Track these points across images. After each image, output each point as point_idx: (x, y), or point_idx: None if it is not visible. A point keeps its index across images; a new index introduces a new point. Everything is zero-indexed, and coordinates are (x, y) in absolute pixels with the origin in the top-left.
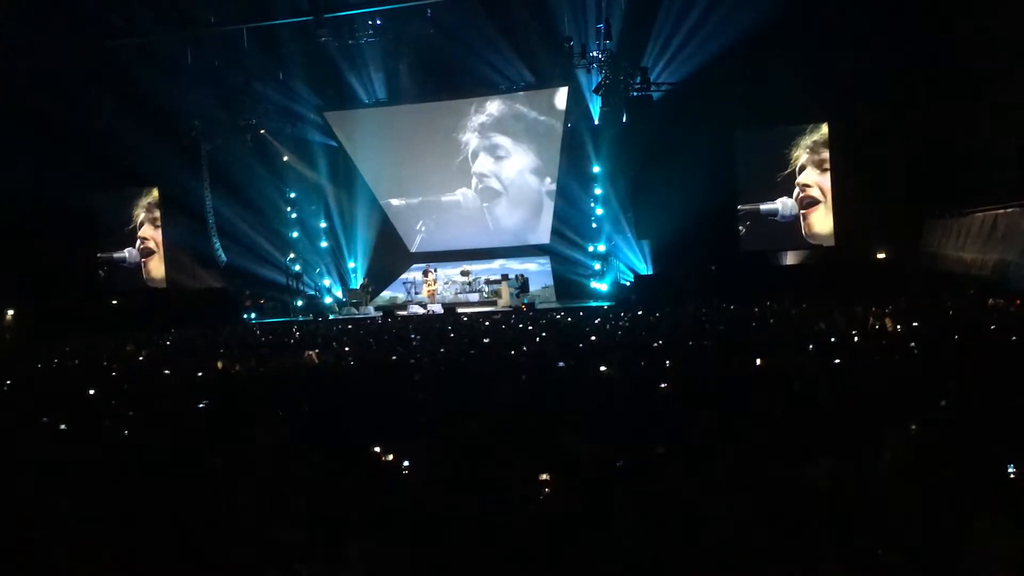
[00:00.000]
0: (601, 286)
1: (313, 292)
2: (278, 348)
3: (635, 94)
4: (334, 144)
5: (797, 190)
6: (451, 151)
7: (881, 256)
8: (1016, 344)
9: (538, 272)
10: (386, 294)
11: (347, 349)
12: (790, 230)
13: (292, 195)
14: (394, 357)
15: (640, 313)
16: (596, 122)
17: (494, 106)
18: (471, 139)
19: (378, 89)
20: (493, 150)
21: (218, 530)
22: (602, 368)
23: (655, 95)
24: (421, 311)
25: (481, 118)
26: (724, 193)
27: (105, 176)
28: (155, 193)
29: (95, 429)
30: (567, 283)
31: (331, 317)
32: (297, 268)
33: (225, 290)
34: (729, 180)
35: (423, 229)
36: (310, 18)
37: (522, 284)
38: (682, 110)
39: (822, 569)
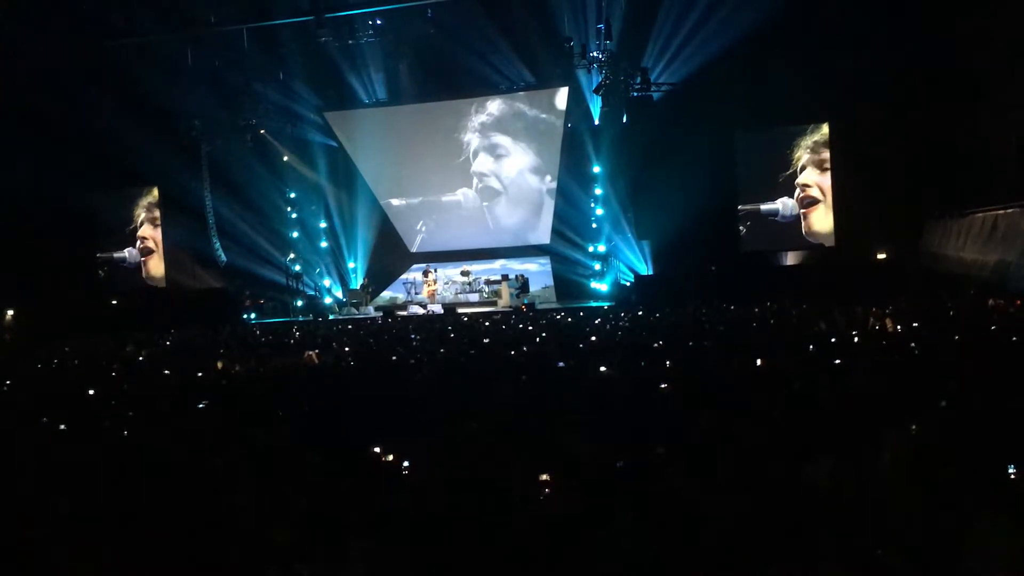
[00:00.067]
0: (601, 286)
1: (313, 292)
2: (278, 348)
3: (635, 94)
4: (334, 144)
5: (797, 190)
6: (451, 151)
7: (881, 256)
8: (1016, 344)
9: (538, 272)
10: (386, 294)
11: (347, 349)
12: (790, 230)
13: (292, 195)
14: (394, 357)
15: (640, 313)
16: (596, 122)
17: (494, 106)
18: (471, 139)
19: (378, 89)
20: (493, 150)
21: (218, 530)
22: (602, 368)
23: (655, 95)
24: (421, 311)
25: (481, 118)
26: (724, 193)
27: (105, 176)
28: (155, 193)
29: (95, 429)
30: (567, 283)
31: (331, 317)
32: (297, 268)
33: (225, 290)
34: (729, 180)
35: (423, 229)
36: (310, 18)
37: (522, 284)
38: (682, 110)
39: (822, 569)
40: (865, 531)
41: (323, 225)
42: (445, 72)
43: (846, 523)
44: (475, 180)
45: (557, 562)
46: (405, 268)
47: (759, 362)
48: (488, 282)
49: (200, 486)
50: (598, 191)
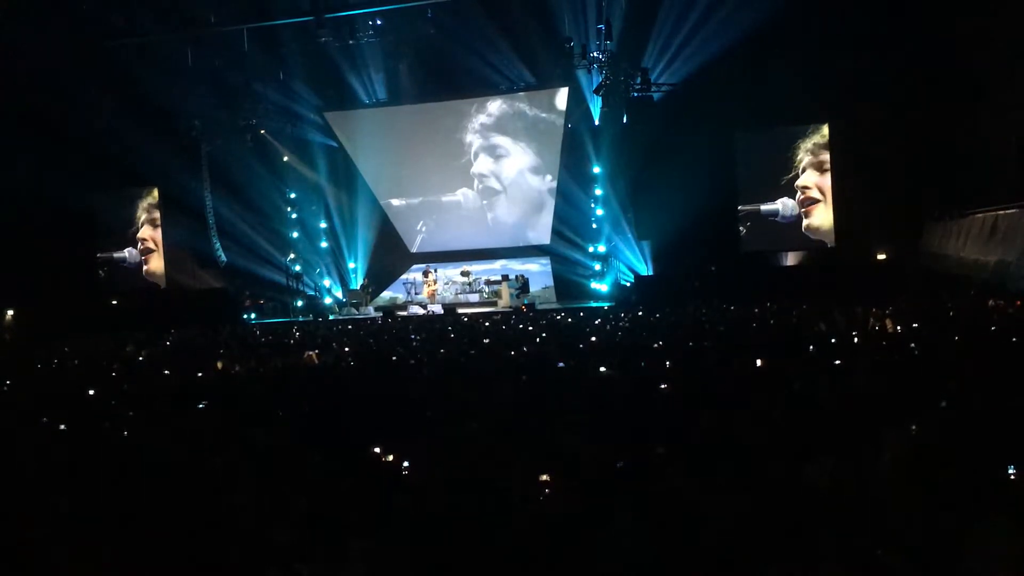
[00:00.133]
0: (601, 287)
1: (313, 292)
2: (278, 348)
3: (635, 94)
4: (334, 144)
5: (798, 192)
6: (451, 151)
7: (881, 257)
8: (1016, 345)
9: (538, 272)
10: (386, 294)
11: (347, 349)
12: (791, 231)
13: (292, 195)
14: (394, 358)
15: (640, 314)
16: (596, 122)
17: (495, 106)
18: (472, 139)
19: (378, 89)
20: (493, 150)
21: (218, 530)
22: (602, 369)
23: (655, 95)
24: (421, 311)
25: (482, 118)
26: (724, 194)
27: (105, 176)
28: (155, 193)
29: (95, 429)
30: (567, 284)
31: (331, 317)
32: (297, 268)
33: (225, 290)
34: (729, 181)
35: (423, 229)
36: (310, 18)
37: (522, 285)
38: (682, 110)
39: (822, 569)
40: (865, 531)
41: (323, 225)
42: (445, 72)
43: (846, 523)
44: (475, 180)
45: (557, 562)
46: (405, 268)
47: (759, 362)
48: (488, 282)
49: (200, 486)
50: (598, 191)
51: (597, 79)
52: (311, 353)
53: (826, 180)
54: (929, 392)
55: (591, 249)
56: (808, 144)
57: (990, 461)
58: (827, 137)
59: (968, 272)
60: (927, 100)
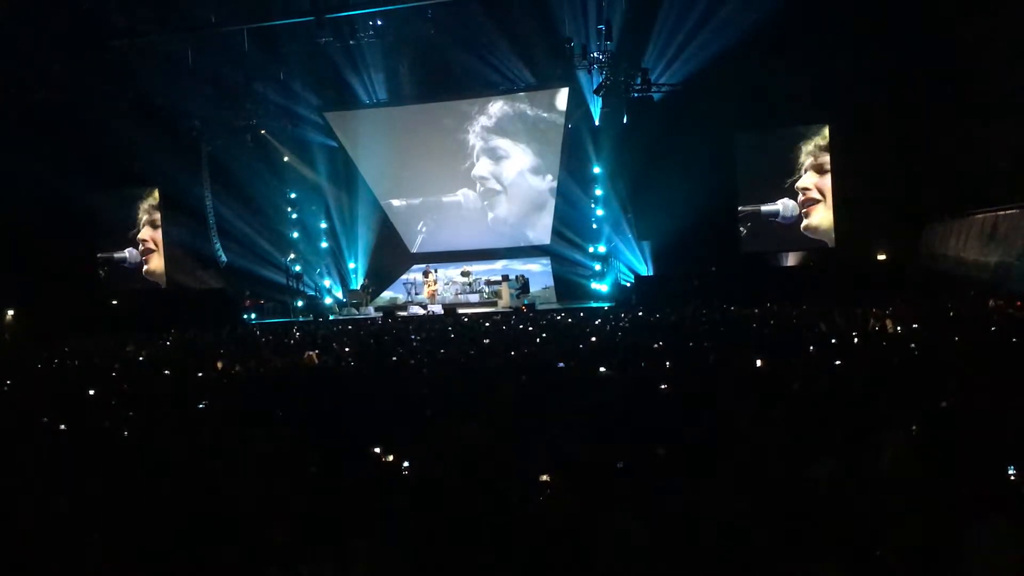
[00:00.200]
0: (601, 287)
1: (313, 293)
2: (278, 349)
3: (636, 95)
4: (334, 144)
5: (799, 194)
6: (452, 152)
7: (881, 257)
8: (1016, 345)
9: (538, 273)
10: (386, 295)
11: (347, 350)
12: (791, 231)
13: (292, 195)
14: (394, 358)
15: (640, 314)
16: (597, 123)
17: (495, 107)
18: (472, 140)
19: (378, 89)
20: (494, 151)
21: (218, 530)
22: (602, 369)
23: (656, 96)
24: (421, 312)
25: (482, 119)
26: (725, 194)
27: (105, 176)
28: (155, 193)
29: (95, 429)
30: (567, 284)
31: (331, 318)
32: (297, 269)
33: (225, 290)
34: (730, 181)
35: (424, 229)
36: (311, 19)
37: (522, 285)
38: (683, 111)
39: (822, 569)
40: (865, 531)
41: (323, 225)
42: (445, 73)
43: (846, 523)
44: (475, 181)
45: (557, 562)
46: (405, 268)
47: (759, 362)
48: (488, 283)
49: (200, 486)
50: (598, 192)
51: (597, 79)
52: (311, 353)
53: (826, 181)
54: (929, 392)
55: (591, 249)
56: (809, 146)
57: (990, 461)
58: (827, 138)
59: (968, 272)
60: (927, 100)
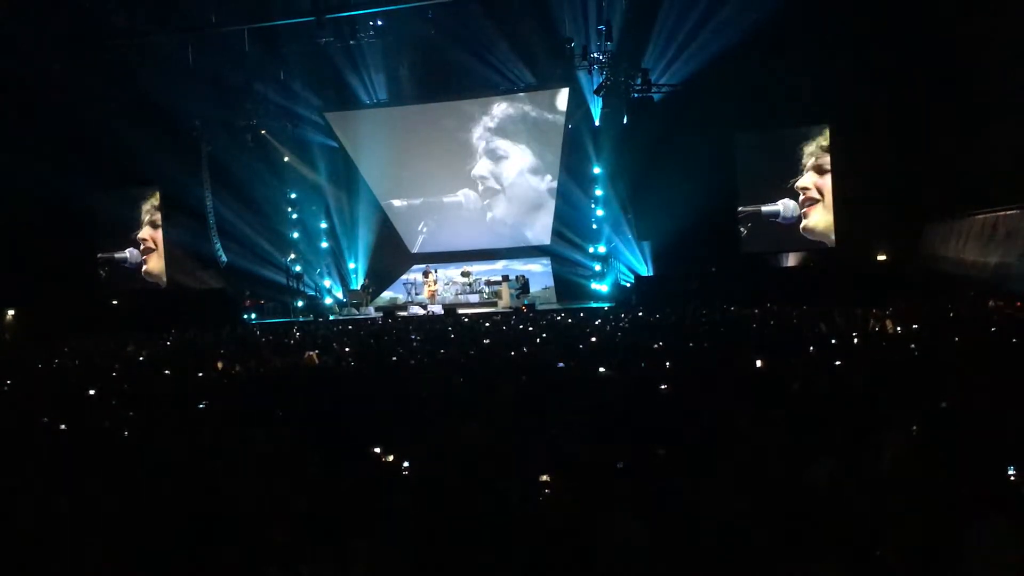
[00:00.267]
0: (601, 287)
1: (313, 293)
2: (278, 349)
3: (636, 95)
4: (335, 145)
5: (800, 195)
6: (452, 152)
7: (881, 258)
8: (1016, 345)
9: (539, 273)
10: (386, 295)
11: (347, 350)
12: (791, 232)
13: (293, 196)
14: (394, 358)
15: (640, 314)
16: (597, 123)
17: (495, 107)
18: (472, 140)
19: (379, 90)
20: (494, 151)
21: (218, 530)
22: (602, 369)
23: (656, 96)
24: (421, 312)
25: (482, 119)
26: (725, 194)
27: (105, 176)
28: (156, 193)
29: (95, 429)
30: (567, 284)
31: (331, 318)
32: (298, 269)
33: (225, 290)
34: (730, 181)
35: (424, 230)
36: (311, 19)
37: (522, 285)
38: (683, 111)
39: (822, 569)
40: (865, 531)
41: (324, 225)
42: (446, 73)
43: (846, 523)
44: (476, 181)
45: (557, 562)
46: (405, 269)
47: (759, 362)
48: (488, 283)
49: (200, 486)
50: (599, 192)
51: (598, 80)
52: (311, 353)
53: (826, 181)
54: (929, 392)
55: (591, 250)
56: (809, 146)
57: (990, 461)
58: (827, 138)
59: (968, 273)
60: (927, 100)
